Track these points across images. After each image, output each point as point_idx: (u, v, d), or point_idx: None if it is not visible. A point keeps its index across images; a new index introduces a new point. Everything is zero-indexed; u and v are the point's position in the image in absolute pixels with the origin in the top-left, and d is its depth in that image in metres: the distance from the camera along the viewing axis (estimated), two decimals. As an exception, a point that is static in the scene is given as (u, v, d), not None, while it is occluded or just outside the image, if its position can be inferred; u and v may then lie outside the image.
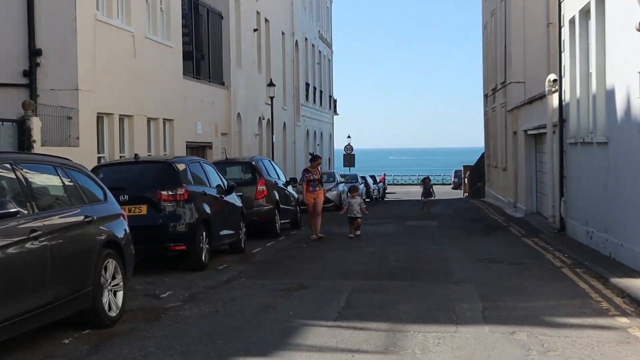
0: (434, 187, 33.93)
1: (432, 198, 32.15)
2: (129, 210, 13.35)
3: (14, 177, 7.97)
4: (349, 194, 20.64)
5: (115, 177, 14.13)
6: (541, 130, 23.72)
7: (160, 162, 14.87)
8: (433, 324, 9.10)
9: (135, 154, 14.77)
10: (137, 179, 14.26)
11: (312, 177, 19.46)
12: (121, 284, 9.57)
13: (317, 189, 19.57)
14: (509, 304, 10.33)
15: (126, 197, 13.50)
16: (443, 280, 12.52)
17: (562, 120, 19.00)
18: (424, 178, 33.70)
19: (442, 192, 67.40)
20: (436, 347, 8.03)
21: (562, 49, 18.59)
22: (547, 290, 11.48)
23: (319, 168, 19.83)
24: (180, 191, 13.80)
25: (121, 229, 9.95)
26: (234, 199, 16.73)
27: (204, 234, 14.24)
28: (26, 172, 8.19)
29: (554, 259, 15.03)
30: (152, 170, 14.58)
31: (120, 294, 9.54)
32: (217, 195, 15.57)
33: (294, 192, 22.88)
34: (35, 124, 16.50)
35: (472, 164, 56.37)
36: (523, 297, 10.89)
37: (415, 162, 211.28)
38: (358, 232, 19.85)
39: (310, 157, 20.40)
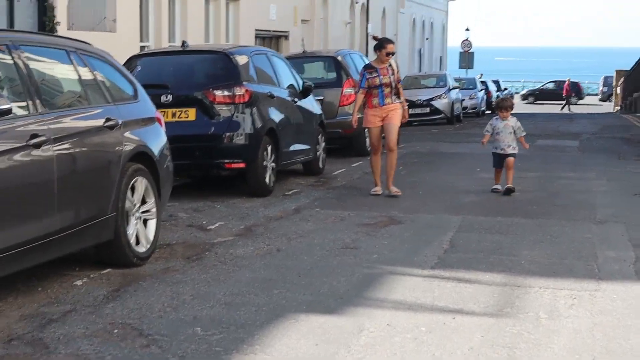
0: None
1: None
2: (173, 115, 13.16)
3: (11, 62, 7.56)
4: (497, 117, 14.46)
5: (156, 71, 13.88)
6: None
7: (214, 52, 14.41)
8: (566, 278, 8.50)
9: (183, 42, 14.35)
10: (185, 75, 13.92)
11: (376, 82, 13.82)
12: (154, 210, 9.21)
13: (388, 101, 13.91)
14: (672, 255, 9.66)
15: (169, 97, 13.22)
16: (583, 218, 11.90)
17: None
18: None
19: (587, 104, 65.92)
20: (569, 310, 7.45)
21: None
22: None
23: (392, 63, 14.05)
24: (240, 91, 13.36)
25: (156, 137, 9.57)
26: (310, 104, 16.29)
27: (269, 148, 13.87)
28: (28, 58, 7.77)
29: None
30: (204, 63, 14.16)
31: (152, 224, 9.20)
32: (289, 99, 15.16)
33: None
34: (60, 0, 16.28)
35: (628, 69, 54.81)
36: (692, 245, 10.21)
37: (540, 65, 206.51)
38: (510, 186, 13.95)
39: (375, 43, 14.18)
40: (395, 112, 13.88)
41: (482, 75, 59.90)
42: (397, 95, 13.97)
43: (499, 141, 14.25)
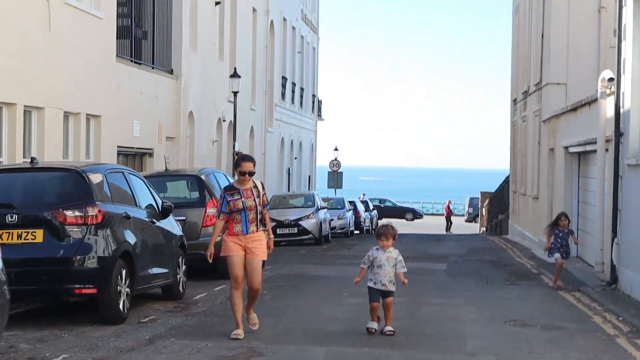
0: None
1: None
2: (19, 237, 12.46)
3: None
4: (377, 247, 12.67)
5: (1, 189, 13.12)
6: (588, 147, 23.08)
7: (66, 169, 13.79)
8: (437, 420, 7.97)
9: (32, 158, 13.72)
10: (33, 193, 13.26)
11: (239, 205, 12.01)
12: (-16, 345, 8.37)
13: (253, 229, 12.07)
14: (546, 391, 9.30)
15: (15, 217, 12.49)
16: (453, 349, 11.57)
17: (619, 134, 18.42)
18: (560, 216, 19.59)
19: (453, 225, 66.84)
20: None
21: (622, 37, 17.97)
22: (599, 370, 10.53)
23: (257, 184, 12.29)
24: (92, 211, 12.71)
25: (-11, 264, 8.78)
26: (170, 225, 15.74)
27: (124, 272, 13.21)
28: None
29: (604, 324, 14.15)
30: (54, 181, 13.52)
31: (-18, 360, 8.35)
32: (147, 220, 14.57)
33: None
34: None
35: (493, 191, 55.90)
36: (565, 380, 9.90)
37: (410, 185, 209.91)
38: (389, 328, 12.48)
39: (235, 158, 12.90)
40: (260, 244, 12.07)
41: (364, 195, 60.64)
42: (259, 221, 12.10)
43: (380, 275, 12.47)
